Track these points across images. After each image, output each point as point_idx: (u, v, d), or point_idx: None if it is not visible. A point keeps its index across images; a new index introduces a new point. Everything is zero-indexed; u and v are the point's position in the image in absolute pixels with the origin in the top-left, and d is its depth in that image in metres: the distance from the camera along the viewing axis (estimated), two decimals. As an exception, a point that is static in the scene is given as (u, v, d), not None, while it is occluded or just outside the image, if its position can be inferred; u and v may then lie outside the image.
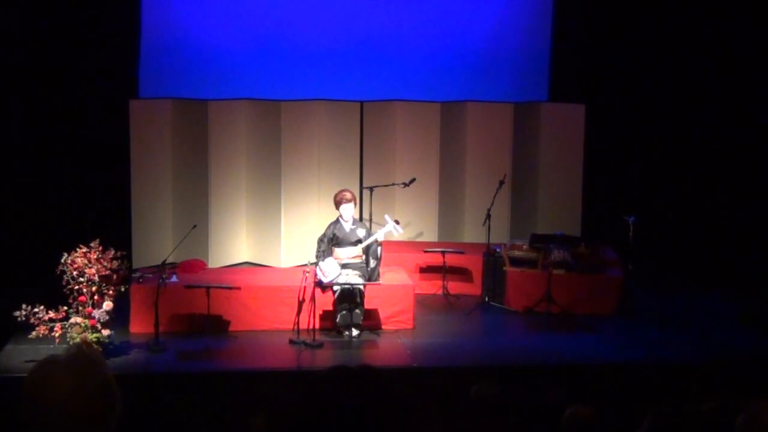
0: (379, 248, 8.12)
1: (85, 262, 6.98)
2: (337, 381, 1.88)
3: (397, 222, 8.43)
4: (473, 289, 9.36)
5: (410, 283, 8.49)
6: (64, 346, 6.73)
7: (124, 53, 9.99)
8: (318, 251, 8.11)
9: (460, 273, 9.51)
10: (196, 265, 8.03)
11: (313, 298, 7.81)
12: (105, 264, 7.04)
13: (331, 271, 7.85)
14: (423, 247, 9.79)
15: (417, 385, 6.74)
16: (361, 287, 7.87)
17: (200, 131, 10.18)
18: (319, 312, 7.93)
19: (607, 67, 10.75)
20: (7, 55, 9.60)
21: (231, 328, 7.98)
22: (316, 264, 7.95)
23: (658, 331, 8.21)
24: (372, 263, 8.08)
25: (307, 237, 9.60)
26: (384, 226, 8.54)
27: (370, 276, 8.04)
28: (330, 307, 7.97)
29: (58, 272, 6.97)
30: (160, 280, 7.58)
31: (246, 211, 10.38)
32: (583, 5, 10.71)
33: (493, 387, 4.37)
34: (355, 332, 7.86)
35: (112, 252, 7.16)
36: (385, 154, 10.61)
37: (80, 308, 6.94)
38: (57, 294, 6.99)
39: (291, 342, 7.63)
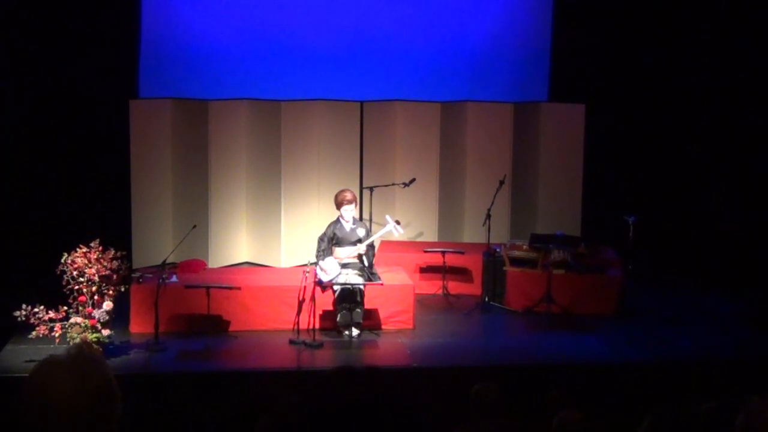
0: (371, 251, 8.13)
1: (85, 262, 6.97)
2: (342, 381, 1.89)
3: (397, 222, 8.44)
4: (473, 289, 9.36)
5: (410, 283, 8.49)
6: (64, 346, 6.73)
7: (124, 53, 10.00)
8: (318, 250, 8.10)
9: (460, 273, 9.51)
10: (196, 265, 8.04)
11: (313, 298, 7.81)
12: (105, 264, 7.04)
13: (331, 270, 7.85)
14: (423, 247, 9.79)
15: (417, 385, 6.74)
16: (362, 287, 7.87)
17: (200, 131, 10.18)
18: (319, 312, 7.94)
19: (607, 67, 10.75)
20: (7, 55, 9.60)
21: (231, 328, 7.98)
22: (316, 264, 7.95)
23: (658, 331, 8.21)
24: (365, 263, 8.07)
25: (307, 237, 9.60)
26: (384, 226, 8.55)
27: (370, 275, 8.03)
28: (330, 307, 7.97)
29: (58, 272, 6.97)
30: (160, 280, 7.58)
31: (246, 211, 10.38)
32: (583, 5, 10.71)
33: (493, 387, 4.37)
34: (355, 332, 7.87)
35: (112, 252, 7.16)
36: (385, 154, 10.61)
37: (80, 308, 6.94)
38: (57, 294, 6.99)
39: (291, 342, 7.63)
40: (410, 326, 8.19)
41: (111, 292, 7.10)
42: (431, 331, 8.16)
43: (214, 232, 10.30)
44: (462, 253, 9.48)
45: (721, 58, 10.71)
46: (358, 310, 7.88)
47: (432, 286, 9.38)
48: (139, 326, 7.77)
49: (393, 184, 10.18)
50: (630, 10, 10.73)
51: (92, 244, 7.11)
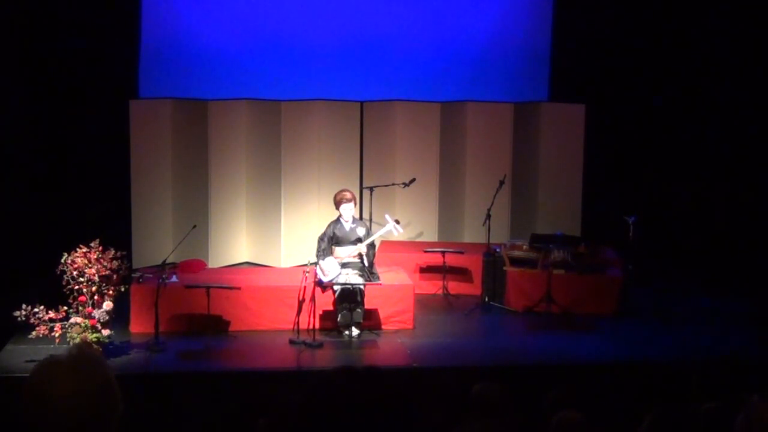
0: (371, 251, 8.16)
1: (85, 262, 6.97)
2: (342, 381, 1.88)
3: (397, 222, 8.45)
4: (473, 289, 9.36)
5: (410, 283, 8.49)
6: (64, 346, 6.73)
7: (124, 53, 10.00)
8: (318, 250, 8.11)
9: (460, 273, 9.51)
10: (196, 265, 8.04)
11: (313, 298, 7.81)
12: (105, 264, 7.04)
13: (331, 270, 7.85)
14: (423, 247, 9.79)
15: (417, 385, 6.74)
16: (362, 287, 7.87)
17: (200, 131, 10.18)
18: (319, 312, 7.94)
19: (607, 67, 10.75)
20: (7, 55, 9.60)
21: (231, 328, 7.98)
22: (316, 263, 7.95)
23: (658, 331, 8.21)
24: (365, 263, 8.08)
25: (307, 237, 9.60)
26: (384, 225, 8.56)
27: (369, 275, 8.04)
28: (330, 307, 7.97)
29: (58, 272, 6.97)
30: (160, 280, 7.58)
31: (246, 211, 10.38)
32: (584, 5, 10.71)
33: (493, 387, 4.37)
34: (355, 332, 7.87)
35: (112, 252, 7.16)
36: (385, 154, 10.61)
37: (80, 308, 6.94)
38: (57, 294, 6.99)
39: (291, 342, 7.63)
40: (410, 326, 8.19)
41: (111, 292, 7.09)
42: (431, 331, 8.16)
43: (214, 232, 10.30)
44: (462, 253, 9.48)
45: (722, 57, 10.71)
46: (359, 310, 7.88)
47: (432, 286, 9.38)
48: (139, 326, 7.77)
49: (393, 184, 10.18)
50: (630, 10, 10.72)
51: (92, 244, 7.11)
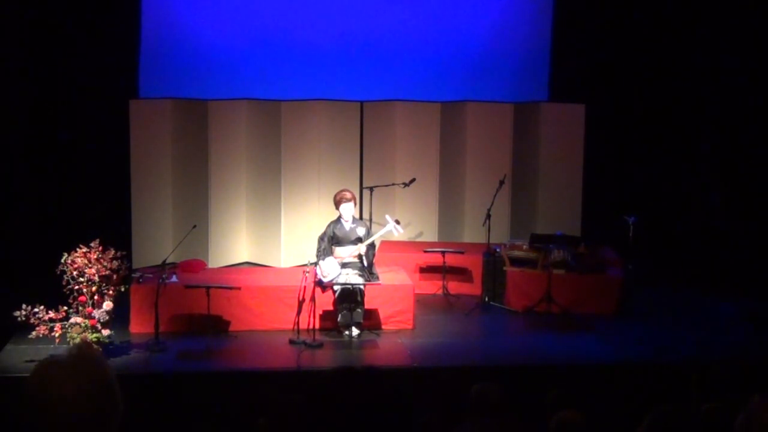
0: (371, 251, 8.17)
1: (85, 262, 6.98)
2: (342, 381, 1.89)
3: (397, 222, 8.45)
4: (473, 289, 9.36)
5: (410, 283, 8.49)
6: (65, 346, 6.73)
7: (124, 53, 10.00)
8: (318, 250, 8.11)
9: (460, 273, 9.51)
10: (196, 265, 8.04)
11: (313, 298, 7.81)
12: (105, 264, 7.05)
13: (331, 270, 7.86)
14: (423, 247, 9.79)
15: (417, 385, 6.74)
16: (362, 287, 7.87)
17: (200, 131, 10.18)
18: (319, 312, 7.94)
19: (607, 67, 10.75)
20: (7, 54, 9.60)
21: (231, 328, 7.99)
22: (316, 263, 7.95)
23: (658, 331, 8.21)
24: (365, 263, 8.08)
25: (307, 237, 9.61)
26: (384, 225, 8.56)
27: (369, 275, 8.04)
28: (330, 307, 7.97)
29: (58, 272, 6.97)
30: (160, 280, 7.58)
31: (246, 211, 10.38)
32: (583, 5, 10.70)
33: (493, 387, 4.37)
34: (355, 332, 7.87)
35: (112, 252, 7.16)
36: (385, 154, 10.61)
37: (80, 308, 6.94)
38: (57, 294, 6.99)
39: (291, 342, 7.63)
40: (410, 326, 8.19)
41: (111, 292, 7.10)
42: (431, 331, 8.16)
43: (214, 232, 10.30)
44: (462, 253, 9.48)
45: (722, 57, 10.71)
46: (359, 310, 7.89)
47: (432, 286, 9.38)
48: (139, 326, 7.77)
49: (393, 184, 10.18)
50: (630, 10, 10.72)
51: (92, 244, 7.11)
